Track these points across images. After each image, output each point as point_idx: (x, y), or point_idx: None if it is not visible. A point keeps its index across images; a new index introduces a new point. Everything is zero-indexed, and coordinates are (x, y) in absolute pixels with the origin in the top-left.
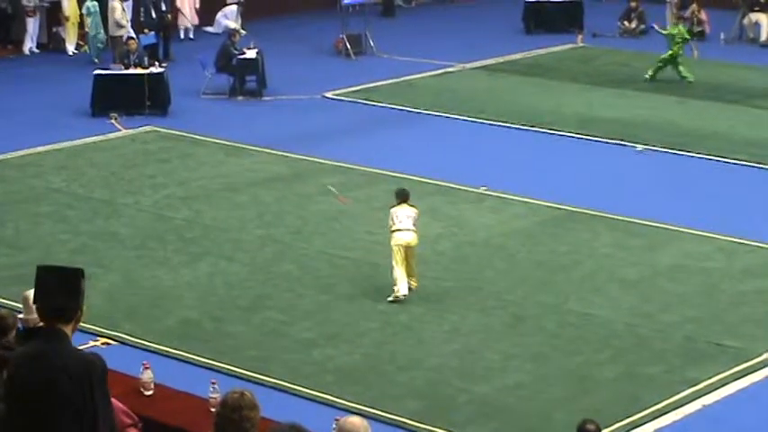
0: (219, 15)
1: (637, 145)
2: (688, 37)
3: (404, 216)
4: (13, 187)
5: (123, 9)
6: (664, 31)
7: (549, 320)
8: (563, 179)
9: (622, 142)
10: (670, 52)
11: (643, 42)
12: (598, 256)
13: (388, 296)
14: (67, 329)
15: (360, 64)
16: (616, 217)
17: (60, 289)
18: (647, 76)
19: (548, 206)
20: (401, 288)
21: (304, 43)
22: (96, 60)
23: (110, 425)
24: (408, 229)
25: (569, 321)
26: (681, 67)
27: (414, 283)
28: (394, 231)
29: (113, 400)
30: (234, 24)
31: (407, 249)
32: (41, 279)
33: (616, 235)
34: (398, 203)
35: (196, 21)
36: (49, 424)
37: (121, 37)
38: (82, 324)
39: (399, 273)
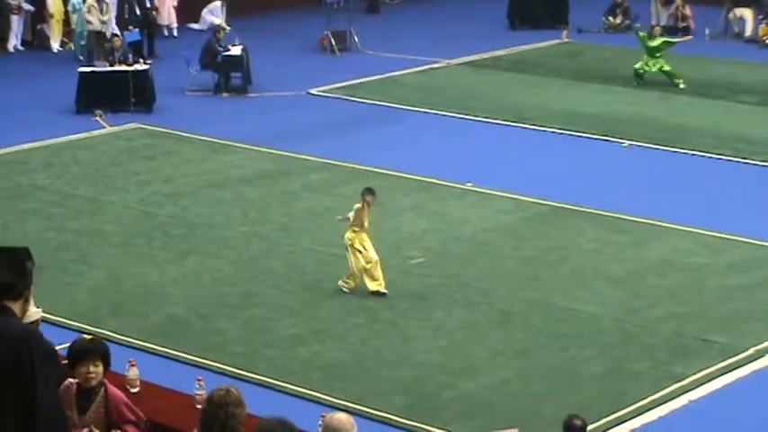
0: (205, 12)
1: (623, 141)
2: (671, 42)
3: None
4: None
5: (93, 5)
6: (641, 35)
7: (536, 316)
8: (549, 175)
9: (608, 138)
10: (667, 68)
11: (628, 38)
12: (584, 252)
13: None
14: (16, 307)
15: (344, 60)
16: (602, 213)
17: (6, 267)
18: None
19: (534, 202)
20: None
21: (289, 40)
22: (81, 57)
23: (52, 395)
24: None
25: (556, 317)
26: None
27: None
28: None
29: (120, 392)
30: (219, 20)
31: None
32: None
33: (602, 231)
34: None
35: (174, 21)
36: None
37: (97, 33)
38: (67, 321)
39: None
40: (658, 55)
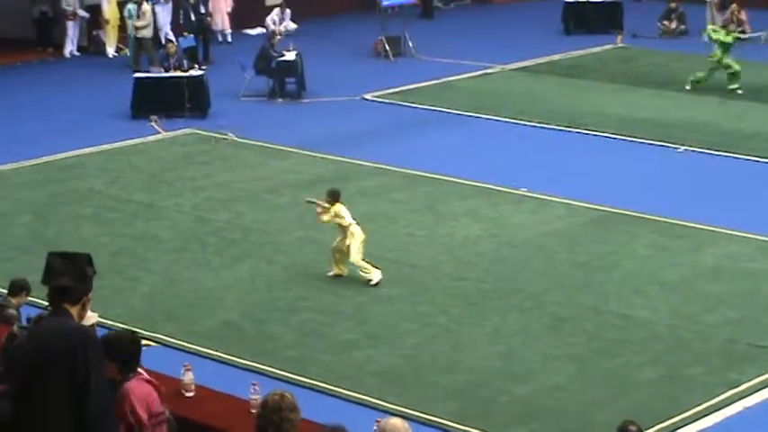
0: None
1: (678, 146)
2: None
3: (347, 213)
4: (55, 189)
5: (135, 11)
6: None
7: (590, 322)
8: (603, 180)
9: (663, 143)
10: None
11: (683, 43)
12: (638, 258)
13: (370, 282)
14: (73, 311)
15: (399, 66)
16: (657, 218)
17: (66, 271)
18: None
19: (588, 207)
20: (376, 274)
21: (343, 45)
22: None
23: (104, 392)
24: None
25: (610, 323)
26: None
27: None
28: (350, 225)
29: (132, 392)
30: (274, 27)
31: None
32: (49, 263)
33: (656, 236)
34: (338, 202)
35: (228, 27)
36: (45, 389)
37: (136, 38)
38: (122, 326)
39: (364, 263)
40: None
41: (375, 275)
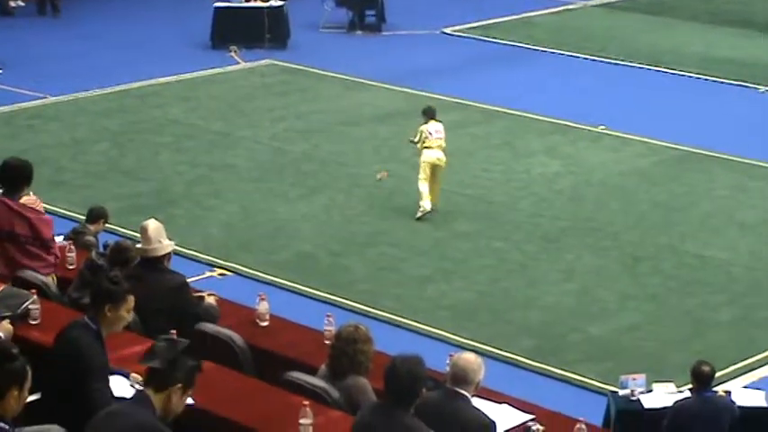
0: None
1: (759, 86)
2: None
3: (434, 131)
4: (133, 117)
5: None
6: None
7: (666, 262)
8: (682, 119)
9: (744, 83)
10: None
11: None
12: (717, 198)
13: (416, 215)
14: (156, 399)
15: (480, 0)
16: (736, 159)
17: (161, 353)
18: None
19: (666, 146)
20: (425, 204)
21: None
22: None
23: None
24: (439, 146)
25: (686, 263)
26: None
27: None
28: (424, 148)
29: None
30: None
31: (435, 167)
32: (153, 344)
33: (735, 177)
34: (426, 121)
35: None
36: None
37: None
38: (199, 254)
39: (424, 188)
40: None
41: (423, 207)
